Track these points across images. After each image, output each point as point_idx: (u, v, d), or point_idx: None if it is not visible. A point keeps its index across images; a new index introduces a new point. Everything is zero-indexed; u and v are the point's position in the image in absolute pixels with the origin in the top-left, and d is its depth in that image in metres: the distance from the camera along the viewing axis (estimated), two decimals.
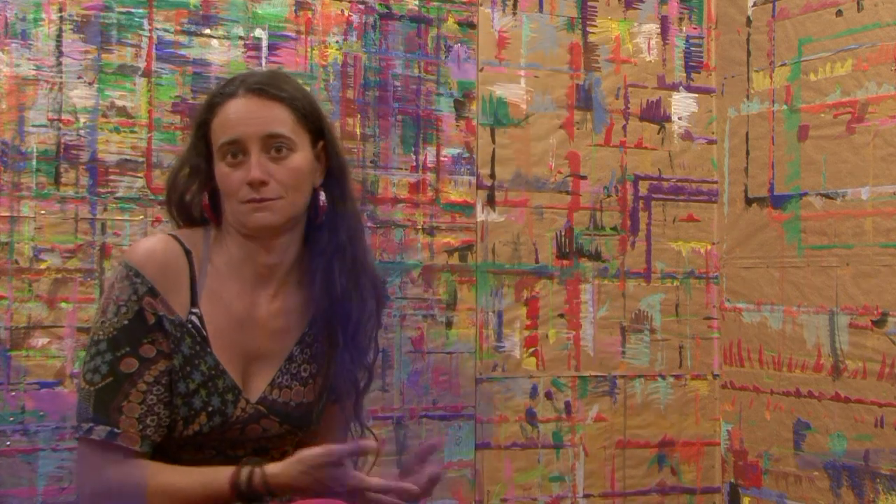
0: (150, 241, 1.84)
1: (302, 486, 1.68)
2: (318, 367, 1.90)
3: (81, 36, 2.63)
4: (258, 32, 2.81)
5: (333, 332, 1.89)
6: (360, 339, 1.91)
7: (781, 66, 3.07)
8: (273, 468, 1.70)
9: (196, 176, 1.88)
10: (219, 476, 1.72)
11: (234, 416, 1.82)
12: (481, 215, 3.04)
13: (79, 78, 2.62)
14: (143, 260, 1.79)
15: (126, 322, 1.76)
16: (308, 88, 1.95)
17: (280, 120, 1.82)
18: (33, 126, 2.58)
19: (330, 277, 1.87)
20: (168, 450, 1.81)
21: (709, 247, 3.29)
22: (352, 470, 1.69)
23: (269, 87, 1.84)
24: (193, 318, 1.81)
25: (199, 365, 1.80)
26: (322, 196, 1.87)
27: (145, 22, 2.69)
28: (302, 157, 1.83)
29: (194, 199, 1.89)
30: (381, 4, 2.95)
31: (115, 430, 1.74)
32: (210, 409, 1.80)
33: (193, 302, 1.81)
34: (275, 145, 1.81)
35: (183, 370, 1.79)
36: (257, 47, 2.80)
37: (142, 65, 2.68)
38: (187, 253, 1.83)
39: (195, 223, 1.90)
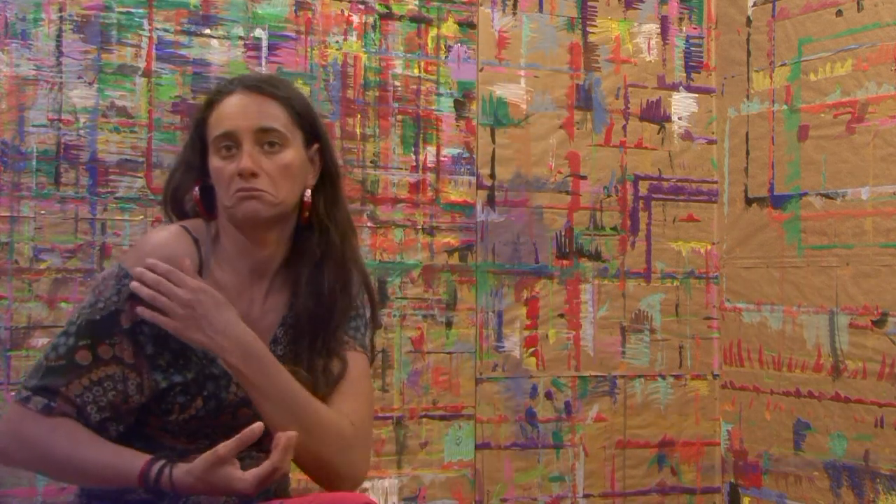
0: (159, 237, 1.85)
1: (202, 489, 1.67)
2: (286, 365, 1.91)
3: (81, 36, 2.63)
4: (258, 32, 2.80)
5: (315, 334, 1.90)
6: (337, 342, 1.92)
7: (781, 66, 3.07)
8: (181, 470, 1.69)
9: (191, 172, 1.91)
10: (133, 462, 1.72)
11: (228, 400, 1.84)
12: (481, 215, 3.04)
13: (79, 78, 2.62)
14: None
15: (98, 318, 1.79)
16: (308, 89, 1.95)
17: (273, 115, 1.86)
18: (33, 126, 2.58)
19: (318, 280, 1.89)
20: (159, 439, 1.84)
21: (709, 247, 3.29)
22: (238, 470, 1.66)
23: (265, 84, 1.89)
24: None
25: (191, 356, 1.82)
26: (307, 193, 1.89)
27: (145, 22, 2.69)
28: (294, 153, 1.86)
29: (187, 193, 1.91)
30: (381, 4, 2.94)
31: (52, 404, 1.76)
32: (206, 392, 1.83)
33: None
34: (267, 140, 1.84)
35: (176, 364, 1.81)
36: (257, 47, 2.80)
37: (142, 65, 2.68)
38: (195, 241, 1.85)
39: (187, 219, 1.92)
